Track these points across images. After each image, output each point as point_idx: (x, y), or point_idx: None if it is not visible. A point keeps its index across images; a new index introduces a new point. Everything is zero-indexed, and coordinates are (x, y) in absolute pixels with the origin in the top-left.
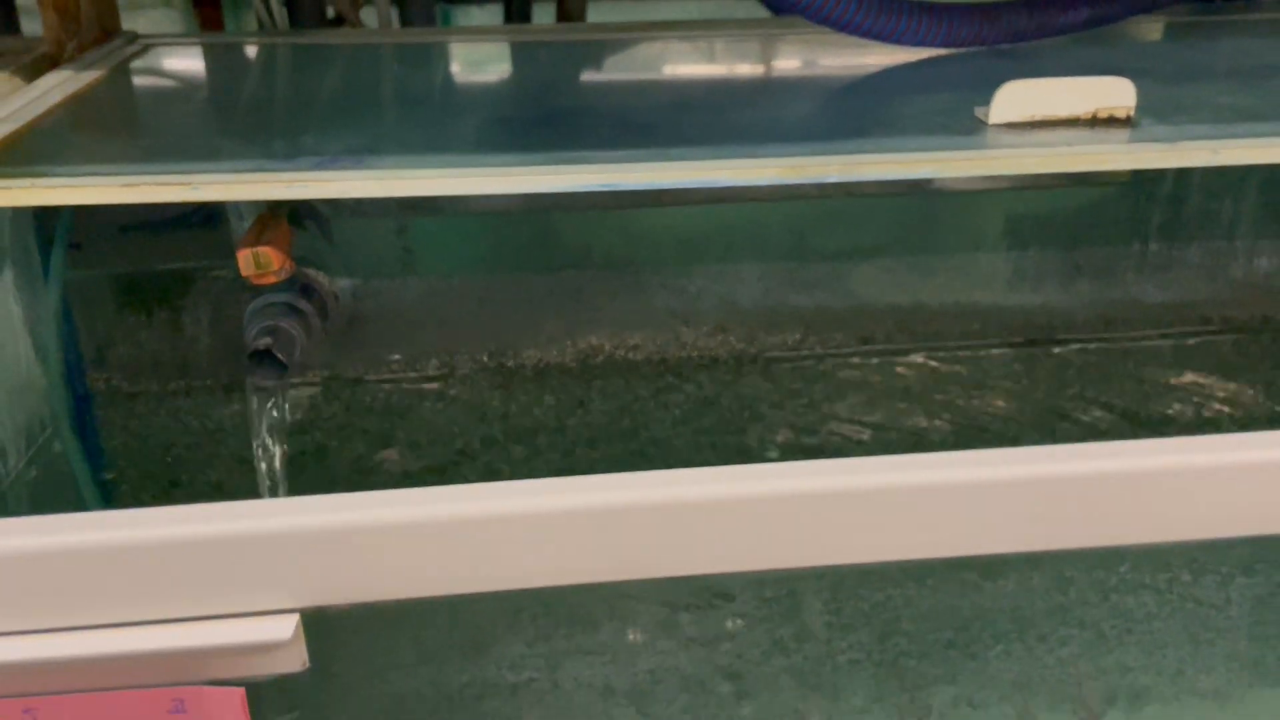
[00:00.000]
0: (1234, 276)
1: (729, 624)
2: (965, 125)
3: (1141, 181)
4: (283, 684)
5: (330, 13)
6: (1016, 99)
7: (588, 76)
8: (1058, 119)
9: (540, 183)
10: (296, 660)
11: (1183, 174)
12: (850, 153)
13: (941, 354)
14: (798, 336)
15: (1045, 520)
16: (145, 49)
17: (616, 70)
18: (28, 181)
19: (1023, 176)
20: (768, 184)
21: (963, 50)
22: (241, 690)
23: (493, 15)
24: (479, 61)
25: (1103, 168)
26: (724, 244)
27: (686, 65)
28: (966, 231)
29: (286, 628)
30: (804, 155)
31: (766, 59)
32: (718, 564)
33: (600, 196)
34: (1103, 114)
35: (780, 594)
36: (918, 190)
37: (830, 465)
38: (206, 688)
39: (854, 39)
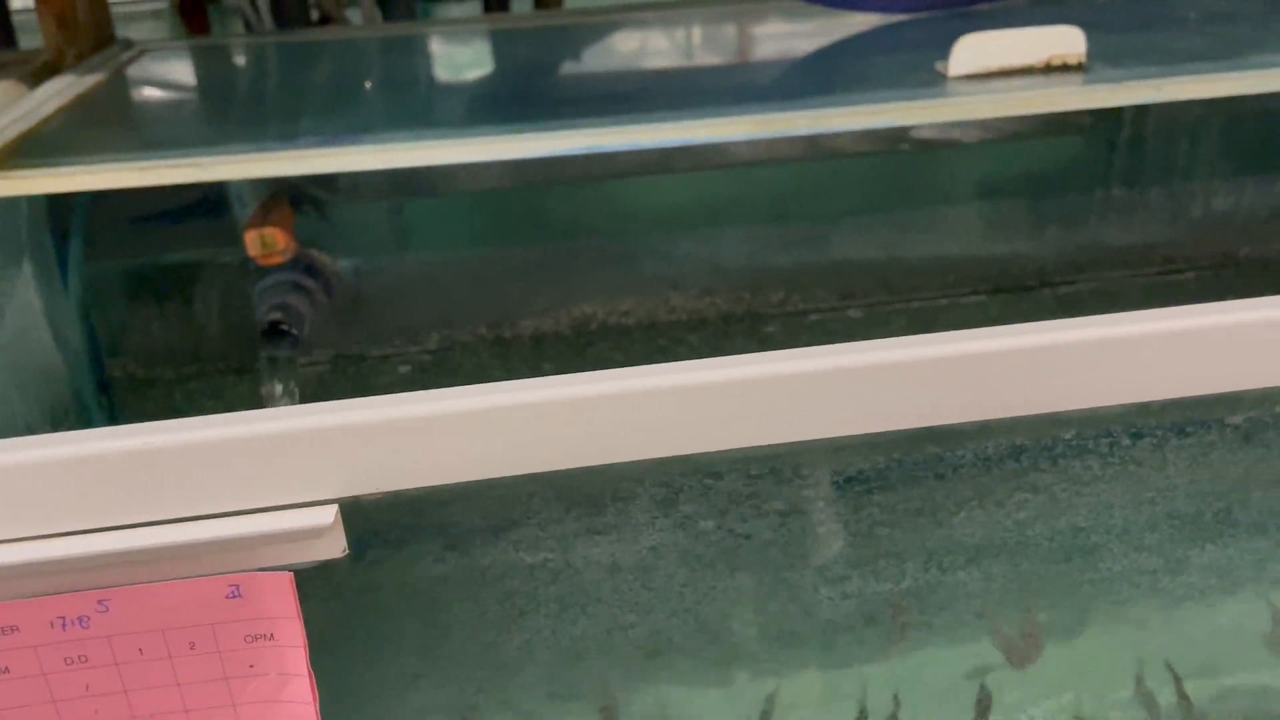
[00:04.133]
0: (1194, 217)
1: (719, 501)
2: (926, 79)
3: (1104, 130)
4: (326, 571)
5: (315, 15)
6: (973, 51)
7: (568, 57)
8: (1013, 69)
9: (524, 149)
10: (337, 547)
11: (1142, 121)
12: (818, 108)
13: (918, 305)
14: (782, 295)
15: (995, 392)
16: (141, 54)
17: (596, 50)
18: (47, 171)
19: (992, 130)
20: (743, 139)
21: (925, 14)
22: (290, 575)
23: (471, 10)
24: (462, 49)
25: (1053, 109)
26: (708, 210)
27: (664, 42)
28: (940, 187)
29: (327, 516)
30: (774, 112)
31: (740, 33)
32: (706, 444)
33: (588, 169)
34: (1055, 61)
35: (763, 471)
36: (893, 150)
37: (803, 352)
38: (259, 574)
39: (824, 9)
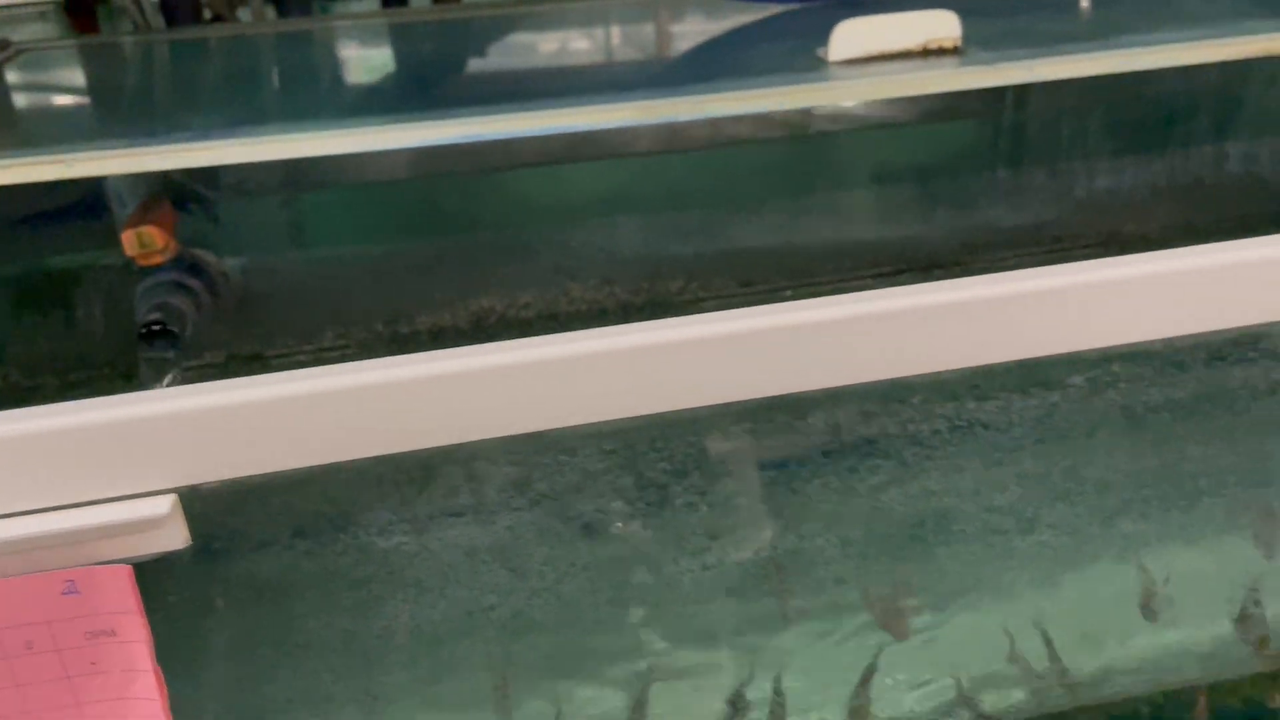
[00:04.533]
0: (1081, 197)
1: (574, 477)
2: (808, 64)
3: (994, 113)
4: (171, 563)
5: (208, 15)
6: (852, 37)
7: (463, 50)
8: (891, 53)
9: (405, 138)
10: (178, 538)
11: (1030, 103)
12: (698, 94)
13: (816, 290)
14: (681, 284)
15: (838, 359)
16: (18, 53)
17: (492, 43)
18: None
19: (887, 115)
20: (625, 126)
21: (819, 3)
22: (128, 567)
23: (371, 7)
24: (357, 44)
25: (925, 90)
26: (608, 201)
27: (560, 35)
28: (837, 172)
29: (164, 505)
30: (655, 99)
31: (632, 24)
32: (557, 420)
33: (485, 160)
34: (932, 45)
35: (617, 446)
36: (791, 136)
37: (640, 326)
38: (95, 567)
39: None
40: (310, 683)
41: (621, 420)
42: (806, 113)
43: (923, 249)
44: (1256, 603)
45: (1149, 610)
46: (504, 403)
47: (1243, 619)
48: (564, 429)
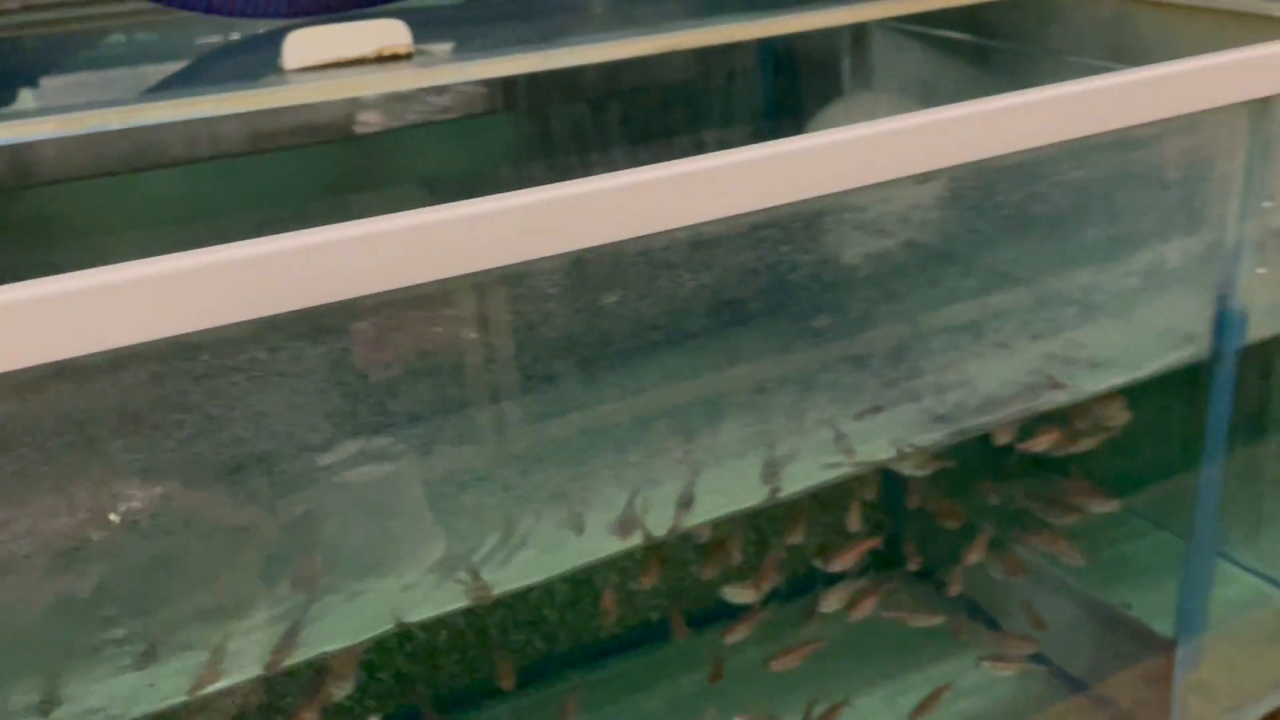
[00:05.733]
0: None
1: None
2: (267, 73)
3: (528, 110)
4: None
5: None
6: (305, 45)
7: None
8: (348, 60)
9: None
10: None
11: (571, 96)
12: (133, 104)
13: None
14: None
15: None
16: None
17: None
18: None
19: (427, 114)
20: (47, 138)
21: (308, 19)
22: None
23: None
24: None
25: (366, 93)
26: (120, 216)
27: (63, 55)
28: (377, 173)
29: None
30: (83, 111)
31: (110, 42)
32: None
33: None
34: (386, 52)
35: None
36: (331, 140)
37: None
38: None
39: (202, 16)
40: None
41: None
42: (347, 116)
43: None
44: (633, 504)
45: (577, 527)
46: None
47: (625, 517)
48: None
